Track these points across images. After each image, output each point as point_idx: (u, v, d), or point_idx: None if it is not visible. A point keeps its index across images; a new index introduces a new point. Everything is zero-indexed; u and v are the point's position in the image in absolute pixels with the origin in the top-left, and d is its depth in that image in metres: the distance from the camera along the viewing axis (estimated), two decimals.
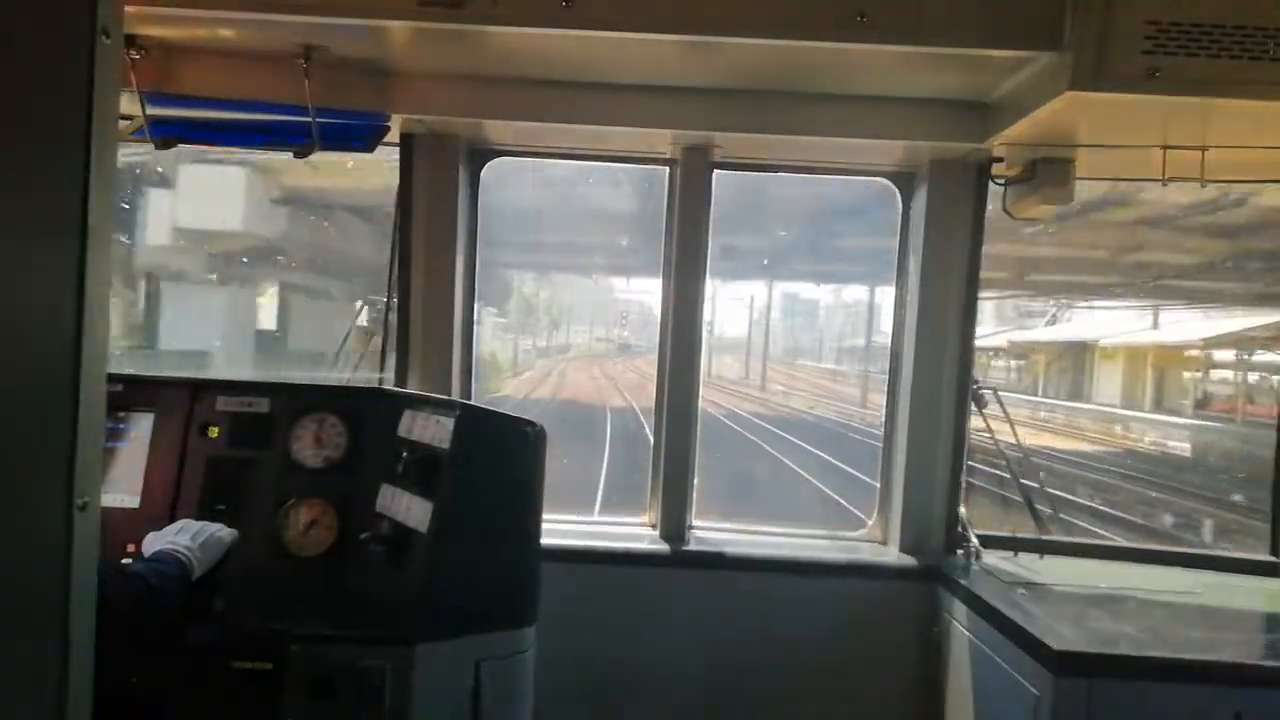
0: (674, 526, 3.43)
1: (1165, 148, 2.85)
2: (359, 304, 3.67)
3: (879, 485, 3.60)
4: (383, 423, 2.65)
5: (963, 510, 3.39)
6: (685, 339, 3.43)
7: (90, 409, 1.07)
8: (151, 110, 2.91)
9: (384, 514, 2.52)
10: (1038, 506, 3.54)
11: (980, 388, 3.39)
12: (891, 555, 3.40)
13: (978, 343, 3.42)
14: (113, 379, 2.55)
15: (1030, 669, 2.45)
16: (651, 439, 3.58)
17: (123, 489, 2.61)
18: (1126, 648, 2.50)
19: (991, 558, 3.32)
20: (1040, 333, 24.38)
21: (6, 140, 1.01)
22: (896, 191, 3.49)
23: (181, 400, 2.73)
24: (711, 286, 3.44)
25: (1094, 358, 23.82)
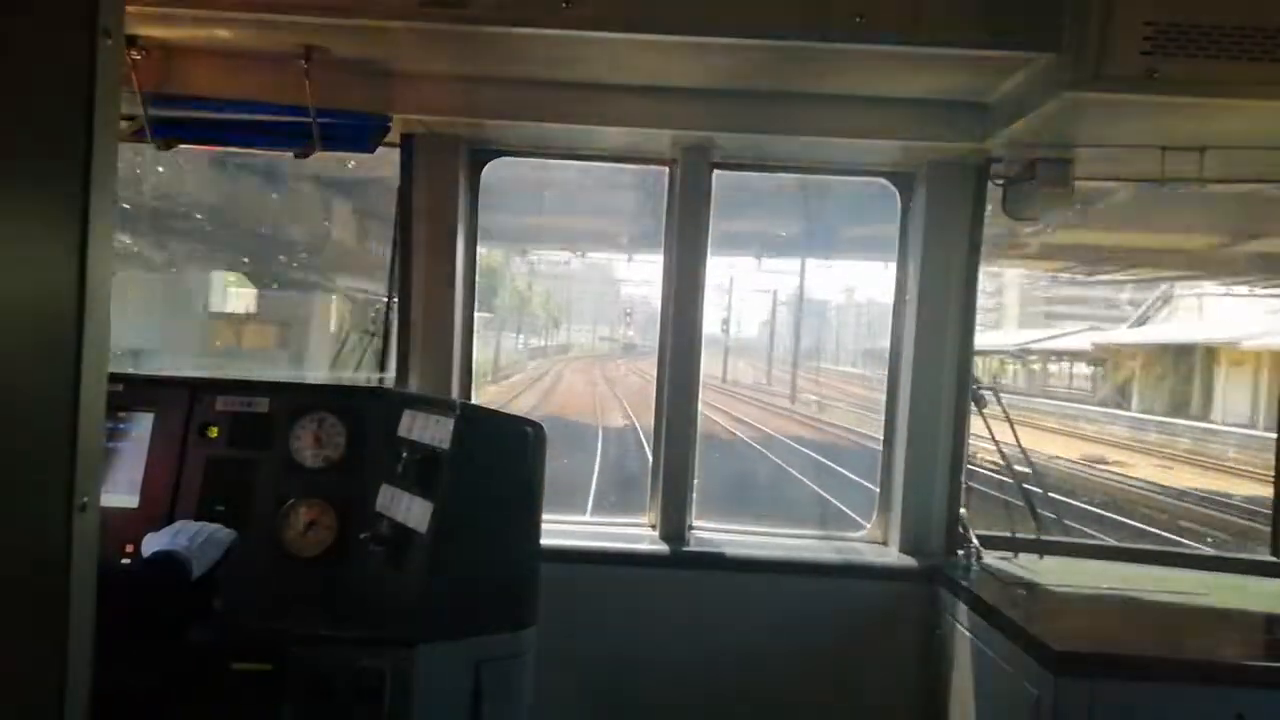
0: (674, 527, 3.43)
1: (1164, 148, 2.85)
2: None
3: (878, 486, 3.59)
4: (382, 423, 2.65)
5: (963, 511, 3.39)
6: (686, 339, 3.43)
7: (90, 409, 1.07)
8: (153, 111, 2.91)
9: (384, 514, 2.52)
10: (1038, 508, 3.54)
11: (980, 388, 3.39)
12: (892, 556, 3.40)
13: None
14: (113, 379, 2.54)
15: (1031, 670, 2.45)
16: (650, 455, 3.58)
17: (122, 489, 2.61)
18: (1127, 648, 2.50)
19: (992, 558, 3.32)
20: (1129, 334, 19.74)
21: (8, 140, 1.01)
22: (896, 192, 3.49)
23: (181, 400, 2.73)
24: (728, 277, 3.41)
25: (1215, 364, 19.08)
